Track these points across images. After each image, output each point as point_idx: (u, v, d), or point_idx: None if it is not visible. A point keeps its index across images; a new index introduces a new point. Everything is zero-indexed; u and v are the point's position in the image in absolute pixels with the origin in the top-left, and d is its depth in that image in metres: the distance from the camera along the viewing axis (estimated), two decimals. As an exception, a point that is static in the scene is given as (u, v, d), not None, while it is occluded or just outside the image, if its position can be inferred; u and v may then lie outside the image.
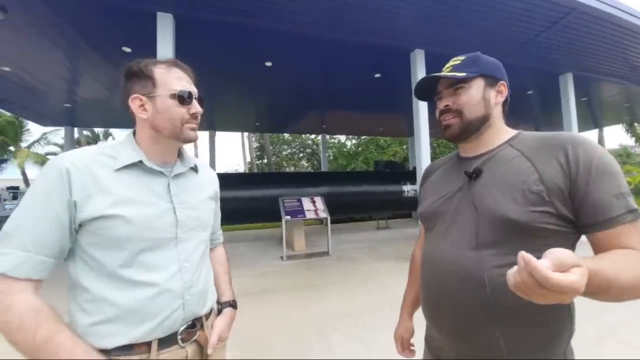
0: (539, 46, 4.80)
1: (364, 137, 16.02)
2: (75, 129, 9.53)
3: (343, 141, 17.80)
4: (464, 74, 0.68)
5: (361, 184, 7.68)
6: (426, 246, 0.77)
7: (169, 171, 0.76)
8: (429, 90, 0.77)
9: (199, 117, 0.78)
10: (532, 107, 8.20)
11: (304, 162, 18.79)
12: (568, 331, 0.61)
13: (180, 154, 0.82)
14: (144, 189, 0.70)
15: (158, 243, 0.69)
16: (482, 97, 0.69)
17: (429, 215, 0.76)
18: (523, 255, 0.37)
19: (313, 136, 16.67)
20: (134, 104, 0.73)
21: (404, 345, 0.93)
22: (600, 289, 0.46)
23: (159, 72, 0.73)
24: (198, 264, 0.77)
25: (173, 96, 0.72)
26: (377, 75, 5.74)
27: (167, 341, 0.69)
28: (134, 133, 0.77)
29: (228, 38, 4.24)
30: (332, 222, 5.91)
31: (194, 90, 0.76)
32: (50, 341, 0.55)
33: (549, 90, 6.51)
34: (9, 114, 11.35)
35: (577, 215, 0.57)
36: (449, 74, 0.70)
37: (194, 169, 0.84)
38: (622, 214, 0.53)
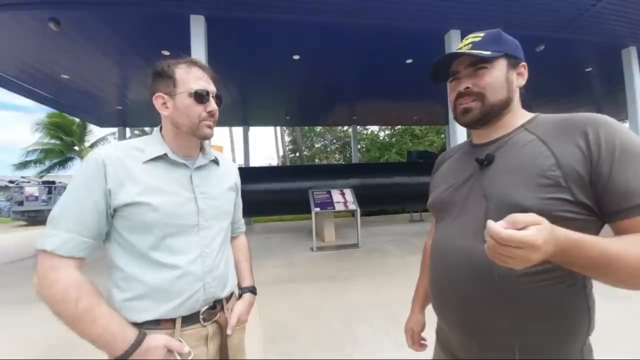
0: (595, 17, 4.23)
1: (398, 127, 15.52)
2: (127, 129, 10.47)
3: (376, 132, 17.42)
4: (488, 52, 0.62)
5: (392, 176, 7.49)
6: (435, 238, 0.74)
7: (191, 163, 0.82)
8: (443, 70, 0.70)
9: (216, 114, 0.82)
10: (592, 85, 7.32)
11: (336, 155, 18.76)
12: (585, 327, 0.56)
13: (202, 148, 0.87)
14: (168, 180, 0.77)
15: (181, 229, 0.76)
16: (506, 79, 0.63)
17: (438, 205, 0.73)
18: (487, 222, 0.41)
19: (345, 128, 16.54)
20: (157, 101, 0.79)
21: (414, 338, 0.91)
22: (598, 264, 0.44)
23: (180, 72, 0.77)
24: (218, 250, 0.83)
25: (191, 95, 0.76)
26: (409, 61, 5.49)
27: (190, 319, 0.75)
28: (161, 129, 0.84)
29: (255, 35, 4.35)
30: (363, 215, 5.87)
31: (211, 89, 0.80)
32: (90, 311, 0.63)
33: (611, 67, 5.74)
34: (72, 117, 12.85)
35: (599, 203, 0.52)
36: (474, 51, 0.63)
37: (216, 162, 0.90)
38: None
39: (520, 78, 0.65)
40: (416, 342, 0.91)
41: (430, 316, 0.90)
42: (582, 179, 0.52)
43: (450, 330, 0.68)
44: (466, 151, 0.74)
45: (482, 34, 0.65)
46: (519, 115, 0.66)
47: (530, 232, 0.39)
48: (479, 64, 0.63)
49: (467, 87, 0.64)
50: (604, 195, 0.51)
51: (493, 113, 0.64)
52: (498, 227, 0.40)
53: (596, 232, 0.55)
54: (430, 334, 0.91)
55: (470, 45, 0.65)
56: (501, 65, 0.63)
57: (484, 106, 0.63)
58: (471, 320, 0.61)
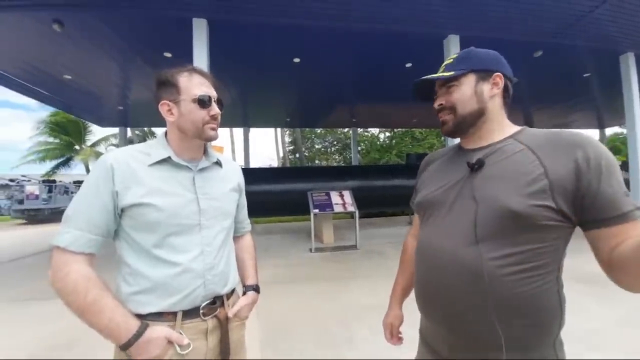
0: (593, 24, 4.28)
1: (398, 129, 15.59)
2: (128, 129, 10.54)
3: (376, 134, 17.49)
4: (452, 72, 0.70)
5: (391, 178, 7.51)
6: (421, 237, 0.77)
7: (194, 166, 0.86)
8: (429, 91, 0.80)
9: (219, 118, 0.86)
10: (590, 90, 7.40)
11: (336, 156, 18.82)
12: (558, 322, 0.61)
13: (205, 151, 0.92)
14: (172, 182, 0.81)
15: (184, 228, 0.80)
16: (474, 92, 0.70)
17: (426, 204, 0.76)
18: None
19: (345, 130, 16.61)
20: (162, 109, 0.84)
21: (393, 332, 0.94)
22: None
23: (182, 80, 0.82)
24: (219, 248, 0.87)
25: (194, 100, 0.81)
26: (409, 65, 5.56)
27: (190, 314, 0.80)
28: (166, 133, 0.88)
29: (257, 38, 4.41)
30: (363, 217, 5.89)
31: (213, 94, 0.85)
32: (98, 302, 0.68)
33: (609, 73, 5.80)
34: (72, 116, 12.95)
35: (583, 212, 0.57)
36: (438, 75, 0.73)
37: (218, 163, 0.94)
38: (632, 209, 0.56)
39: (494, 88, 0.70)
40: (395, 335, 0.94)
41: (413, 315, 0.94)
42: (567, 190, 0.57)
43: (437, 329, 0.70)
44: (455, 154, 0.78)
45: (454, 56, 0.74)
46: (505, 125, 0.71)
47: None
48: (449, 83, 0.72)
49: (441, 104, 0.73)
50: (593, 205, 0.57)
51: (466, 123, 0.71)
52: None
53: (568, 236, 0.61)
54: (407, 331, 0.96)
55: (444, 68, 0.73)
56: (469, 80, 0.70)
57: (456, 118, 0.71)
58: (459, 319, 0.64)
